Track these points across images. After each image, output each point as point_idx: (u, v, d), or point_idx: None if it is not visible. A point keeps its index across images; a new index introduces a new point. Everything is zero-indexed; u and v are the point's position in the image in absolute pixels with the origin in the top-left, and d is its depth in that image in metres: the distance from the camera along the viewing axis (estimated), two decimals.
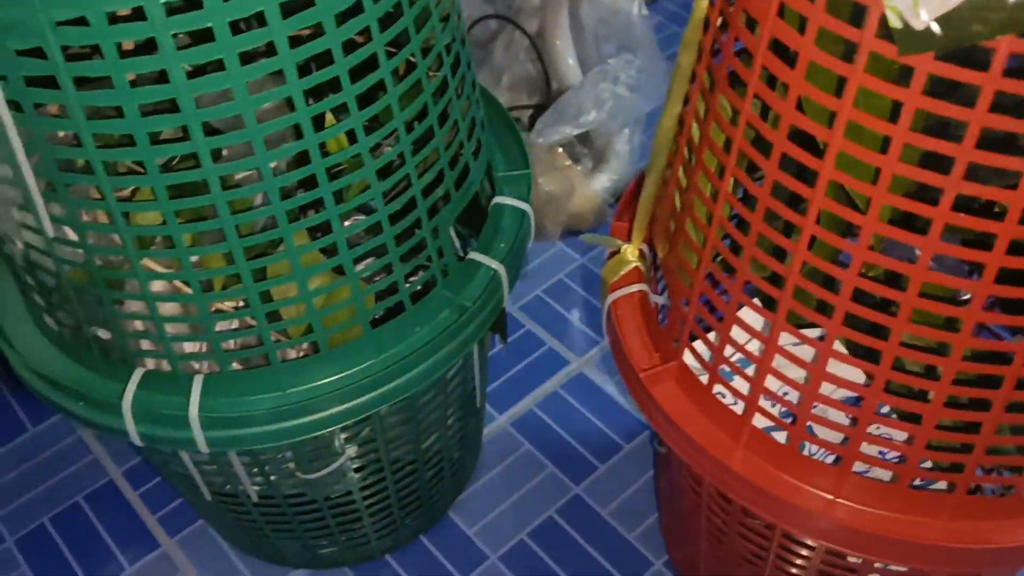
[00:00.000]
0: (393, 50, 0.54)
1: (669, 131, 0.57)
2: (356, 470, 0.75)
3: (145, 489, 0.93)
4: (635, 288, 0.64)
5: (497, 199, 0.69)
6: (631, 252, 0.64)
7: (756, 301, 0.53)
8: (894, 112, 0.42)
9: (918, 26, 0.37)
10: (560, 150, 1.14)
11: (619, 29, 1.28)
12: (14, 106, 0.49)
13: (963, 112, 0.39)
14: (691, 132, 0.54)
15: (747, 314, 0.55)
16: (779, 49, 0.44)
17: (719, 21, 0.50)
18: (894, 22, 0.38)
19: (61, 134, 0.57)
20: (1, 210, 0.58)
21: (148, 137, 0.49)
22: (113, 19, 0.45)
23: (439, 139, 0.59)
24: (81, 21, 0.45)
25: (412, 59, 0.55)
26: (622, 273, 0.65)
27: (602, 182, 1.14)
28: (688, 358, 0.60)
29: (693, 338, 0.59)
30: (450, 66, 0.59)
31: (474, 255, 0.66)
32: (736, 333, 0.55)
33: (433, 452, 0.80)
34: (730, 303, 0.53)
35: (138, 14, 0.44)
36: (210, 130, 0.49)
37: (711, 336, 0.57)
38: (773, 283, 0.50)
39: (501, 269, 0.66)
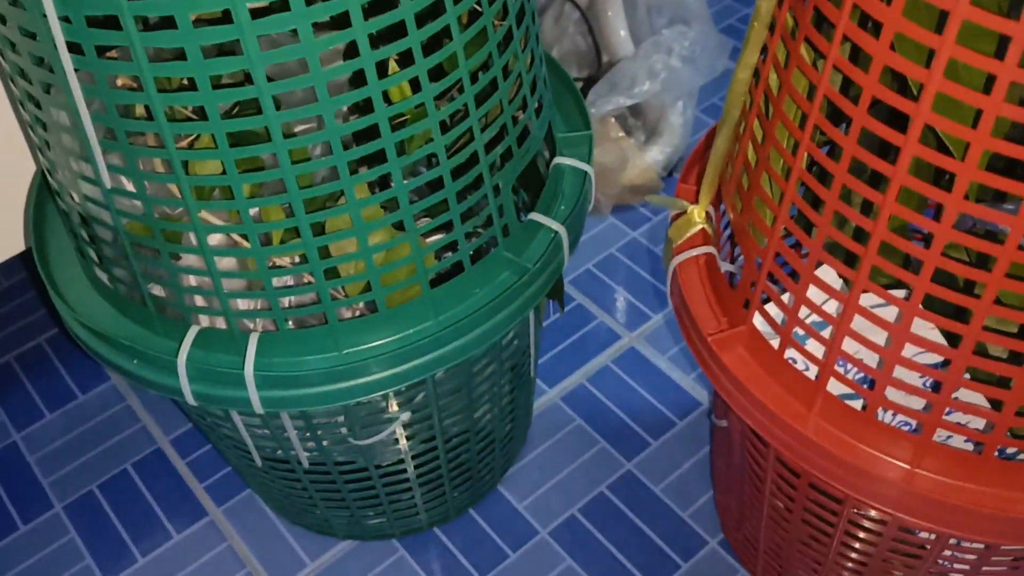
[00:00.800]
0: None
1: (744, 82, 0.54)
2: (408, 439, 0.74)
3: (193, 458, 0.93)
4: (702, 250, 0.62)
5: (558, 160, 0.67)
6: (698, 213, 0.62)
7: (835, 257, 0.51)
8: (999, 50, 0.39)
9: None
10: (613, 121, 1.11)
11: (672, 1, 1.26)
12: (75, 48, 0.48)
13: None
14: (769, 82, 0.52)
15: (825, 273, 0.53)
16: None
17: None
18: None
19: (121, 81, 0.56)
20: (59, 160, 0.57)
21: (210, 81, 0.48)
22: None
23: (503, 91, 0.57)
24: None
25: (478, 7, 0.54)
26: (688, 235, 0.62)
27: (655, 155, 1.12)
28: (759, 322, 0.57)
29: (765, 300, 0.56)
30: (515, 15, 0.57)
31: (535, 216, 0.64)
32: (812, 293, 0.52)
33: (485, 423, 0.78)
34: (808, 261, 0.51)
35: None
36: (271, 76, 0.48)
37: (784, 298, 0.55)
38: (856, 239, 0.48)
39: (562, 231, 0.64)
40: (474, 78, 0.55)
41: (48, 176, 0.62)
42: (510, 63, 0.59)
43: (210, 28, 0.46)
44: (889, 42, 0.42)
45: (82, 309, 0.63)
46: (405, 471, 0.77)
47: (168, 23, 0.46)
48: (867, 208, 0.47)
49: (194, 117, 0.55)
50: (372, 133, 0.52)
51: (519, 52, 0.59)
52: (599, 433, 0.91)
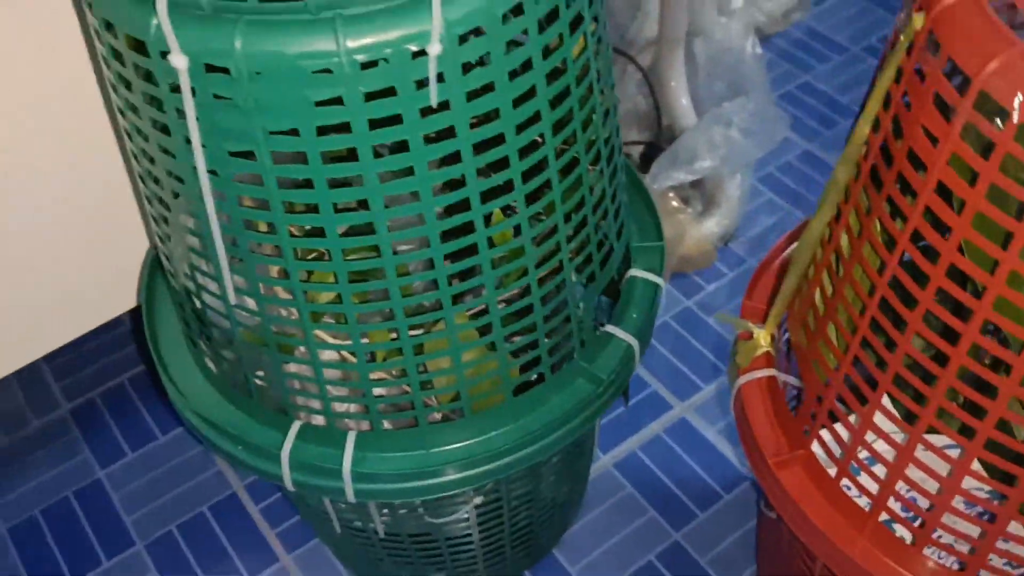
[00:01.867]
0: (565, 146, 0.57)
1: (817, 236, 0.59)
2: (477, 516, 0.79)
3: (266, 504, 0.99)
4: (765, 373, 0.66)
5: (632, 272, 0.72)
6: (764, 338, 0.67)
7: (892, 406, 0.55)
8: None
9: None
10: (672, 194, 1.16)
11: (731, 68, 1.30)
12: (211, 171, 0.53)
13: None
14: (840, 243, 0.57)
15: (882, 420, 0.57)
16: (944, 191, 0.47)
17: (879, 145, 0.52)
18: None
19: (248, 201, 0.61)
20: (177, 255, 0.62)
21: (332, 208, 0.52)
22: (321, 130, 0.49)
23: (591, 226, 0.63)
24: (292, 131, 0.49)
25: (576, 156, 0.59)
26: (753, 356, 0.67)
27: (711, 227, 1.16)
28: (816, 448, 0.62)
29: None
30: (606, 158, 0.62)
31: (610, 328, 0.69)
32: (869, 435, 0.57)
33: (547, 494, 0.84)
34: (867, 409, 0.56)
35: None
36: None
37: (842, 432, 0.59)
38: (915, 401, 0.53)
39: (635, 343, 0.69)
40: (567, 218, 0.60)
41: (163, 259, 0.68)
42: (602, 198, 0.64)
43: (338, 165, 0.51)
44: (956, 245, 0.46)
45: (191, 394, 0.69)
46: (471, 537, 0.83)
47: (300, 158, 0.51)
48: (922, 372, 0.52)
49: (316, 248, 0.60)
50: (473, 268, 0.57)
51: (607, 187, 0.64)
52: (649, 502, 0.97)
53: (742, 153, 1.18)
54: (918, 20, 0.48)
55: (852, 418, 0.58)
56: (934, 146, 0.46)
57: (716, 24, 1.32)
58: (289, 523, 0.97)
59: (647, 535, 0.94)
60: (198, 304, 0.64)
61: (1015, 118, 0.42)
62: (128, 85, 0.53)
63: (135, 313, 0.99)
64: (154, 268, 0.76)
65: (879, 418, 0.57)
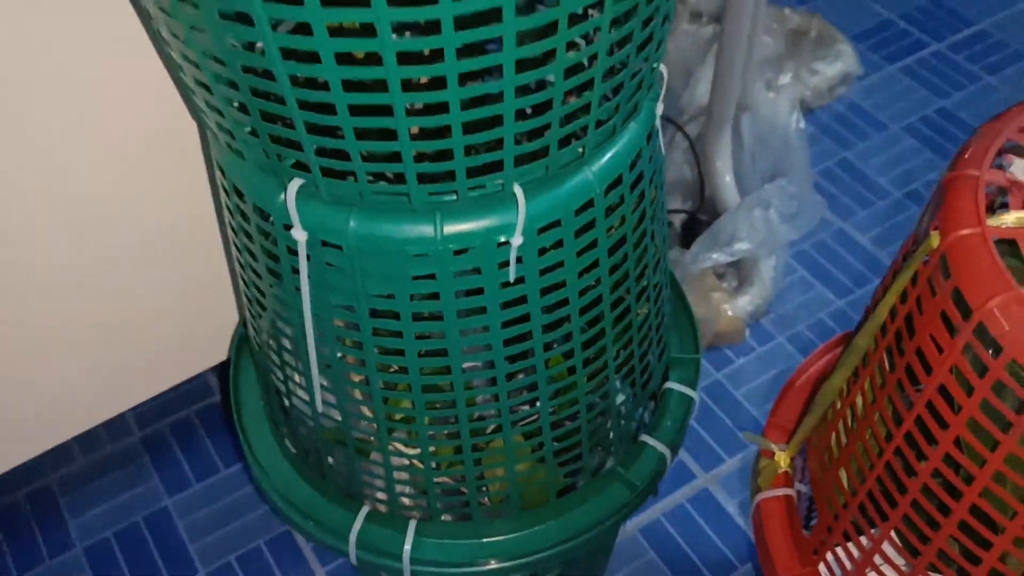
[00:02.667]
0: (620, 299, 0.65)
1: (836, 390, 0.67)
2: None
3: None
4: (783, 492, 0.74)
5: (668, 384, 0.80)
6: (784, 460, 0.75)
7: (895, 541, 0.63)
8: None
9: None
10: (711, 272, 1.23)
11: (776, 147, 1.37)
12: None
13: None
14: (856, 401, 0.64)
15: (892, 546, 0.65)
16: (945, 391, 0.54)
17: (894, 331, 0.60)
18: None
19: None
20: (276, 369, 0.71)
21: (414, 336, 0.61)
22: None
23: (636, 358, 0.71)
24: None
25: (629, 304, 0.67)
26: (773, 476, 0.75)
27: (744, 305, 1.24)
28: (823, 568, 0.70)
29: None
30: (655, 299, 0.70)
31: (646, 438, 0.77)
32: (881, 562, 0.65)
33: (578, 568, 0.92)
34: (875, 537, 0.64)
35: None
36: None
37: (844, 558, 0.67)
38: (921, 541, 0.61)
39: (668, 452, 0.77)
40: (616, 355, 0.68)
41: (254, 343, 0.76)
42: (648, 333, 0.72)
43: (425, 323, 0.60)
44: (953, 438, 0.54)
45: (272, 472, 0.78)
46: None
47: (393, 314, 0.59)
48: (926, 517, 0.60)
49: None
50: (533, 400, 0.66)
51: (653, 320, 0.72)
52: (669, 568, 1.05)
53: (779, 236, 1.25)
54: (935, 239, 0.55)
55: (854, 549, 0.66)
56: (939, 353, 0.54)
57: (764, 100, 1.39)
58: (337, 563, 1.06)
59: None
60: (286, 402, 0.73)
61: (1007, 353, 0.49)
62: (248, 235, 0.61)
63: None
64: (241, 348, 0.85)
65: (878, 558, 0.65)
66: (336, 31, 0.43)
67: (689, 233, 1.32)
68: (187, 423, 1.19)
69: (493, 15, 0.42)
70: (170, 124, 0.74)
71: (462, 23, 0.42)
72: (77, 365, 0.90)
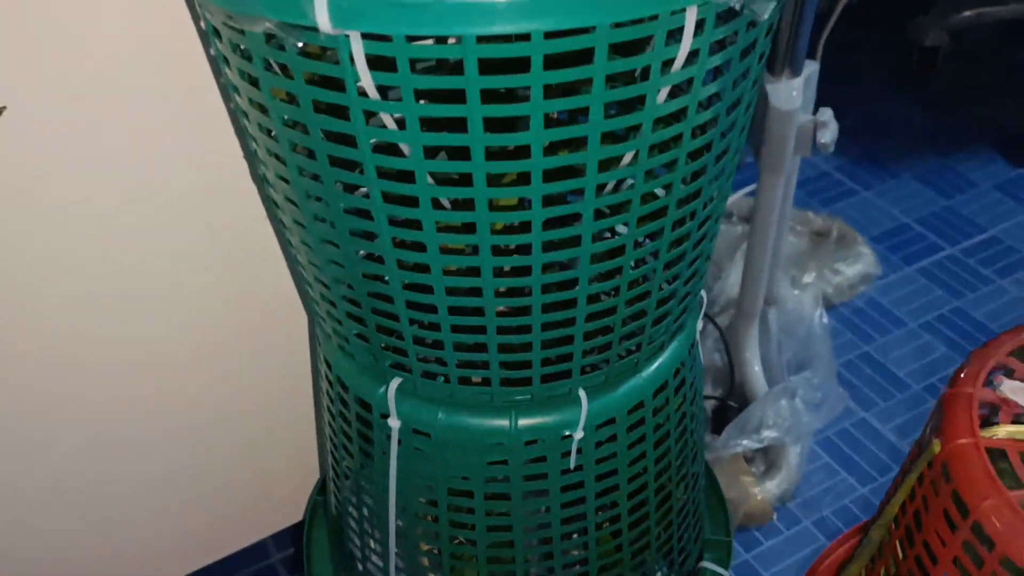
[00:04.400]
0: (662, 487, 0.74)
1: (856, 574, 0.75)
2: None
3: None
4: None
5: (703, 563, 0.88)
6: None
7: None
8: None
9: None
10: (741, 456, 1.32)
11: (801, 339, 1.47)
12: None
13: None
14: None
15: None
16: None
17: (904, 526, 0.68)
18: None
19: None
20: (356, 540, 0.80)
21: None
22: None
23: (675, 538, 0.79)
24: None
25: (670, 491, 0.76)
26: None
27: (771, 488, 1.31)
28: None
29: None
30: (691, 487, 0.79)
31: None
32: None
33: None
34: None
35: None
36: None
37: None
38: None
39: None
40: (658, 535, 0.76)
41: (333, 510, 0.85)
42: (684, 517, 0.80)
43: (495, 483, 0.69)
44: None
45: None
46: None
47: (467, 494, 0.68)
48: None
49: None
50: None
51: (691, 507, 0.80)
52: None
53: (803, 424, 1.33)
54: (936, 446, 0.64)
55: None
56: (943, 546, 0.62)
57: (789, 296, 1.51)
58: None
59: None
60: (359, 567, 0.81)
61: (999, 549, 0.58)
62: (345, 419, 0.71)
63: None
64: (315, 513, 0.94)
65: None
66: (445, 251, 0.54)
67: (719, 418, 1.41)
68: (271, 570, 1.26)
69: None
70: (284, 315, 0.85)
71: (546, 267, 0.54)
72: (146, 522, 0.99)
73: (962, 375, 0.68)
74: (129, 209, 0.72)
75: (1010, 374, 0.67)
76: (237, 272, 0.80)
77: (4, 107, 0.68)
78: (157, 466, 0.94)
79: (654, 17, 0.43)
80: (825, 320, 1.50)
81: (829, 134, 1.26)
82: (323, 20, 0.40)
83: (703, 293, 0.71)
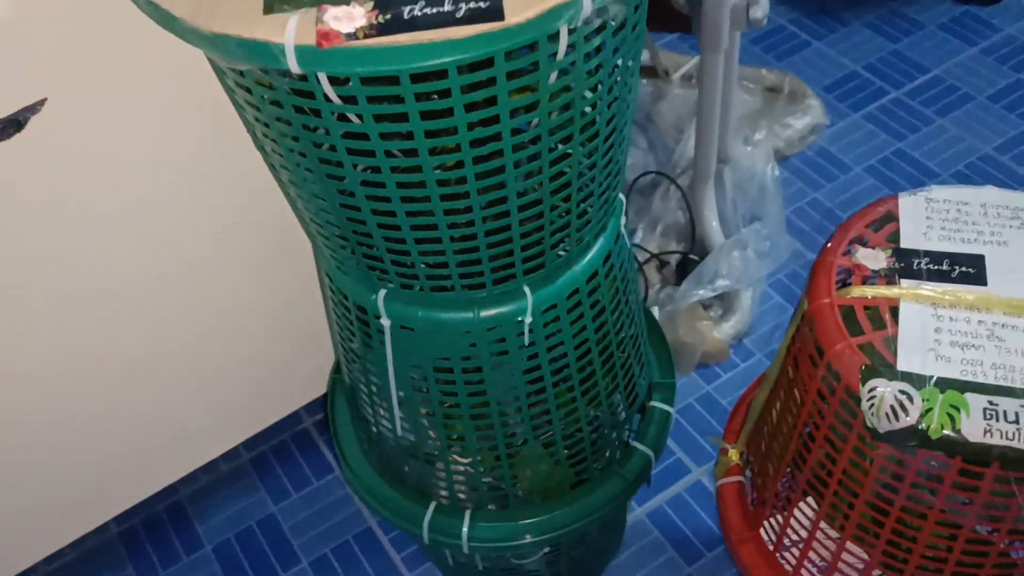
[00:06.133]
0: (607, 346, 0.93)
1: (760, 404, 0.95)
2: (545, 558, 1.16)
3: (393, 535, 1.37)
4: (735, 479, 1.02)
5: (652, 403, 1.09)
6: (734, 455, 1.02)
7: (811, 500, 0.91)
8: None
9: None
10: (698, 304, 1.51)
11: (753, 194, 1.65)
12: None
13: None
14: (773, 411, 0.92)
15: (801, 512, 0.93)
16: (816, 405, 0.82)
17: (790, 363, 0.87)
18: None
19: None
20: (366, 403, 1.00)
21: None
22: None
23: (621, 387, 0.99)
24: None
25: (610, 349, 0.95)
26: (727, 467, 1.03)
27: (727, 329, 1.51)
28: (763, 532, 0.98)
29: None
30: (631, 346, 0.99)
31: (635, 444, 1.06)
32: (795, 523, 0.92)
33: (594, 542, 1.20)
34: (790, 506, 0.91)
35: None
36: None
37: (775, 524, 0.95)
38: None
39: (652, 454, 1.05)
40: (605, 385, 0.96)
41: (346, 386, 1.05)
42: (628, 369, 1.00)
43: (472, 374, 0.88)
44: (823, 436, 0.82)
45: (360, 475, 1.07)
46: (542, 571, 1.20)
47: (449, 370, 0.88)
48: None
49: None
50: (549, 420, 0.94)
51: (633, 360, 1.00)
52: (670, 544, 1.33)
53: (754, 271, 1.52)
54: (804, 304, 0.83)
55: (780, 518, 0.94)
56: (810, 379, 0.82)
57: (743, 154, 1.67)
58: (410, 550, 1.36)
59: (668, 569, 1.30)
60: (373, 429, 1.02)
61: (843, 381, 0.77)
62: (348, 320, 0.90)
63: None
64: (336, 386, 1.14)
65: (794, 521, 0.92)
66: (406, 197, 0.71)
67: (683, 271, 1.60)
68: (285, 446, 1.48)
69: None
70: (295, 240, 1.04)
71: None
72: (206, 403, 1.20)
73: (828, 245, 0.86)
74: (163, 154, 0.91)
75: (865, 243, 0.85)
76: (257, 206, 0.99)
77: (45, 99, 0.84)
78: (207, 356, 1.15)
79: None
80: (776, 173, 1.67)
81: (760, 10, 1.40)
82: (293, 66, 0.56)
83: (622, 196, 0.88)
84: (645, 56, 1.89)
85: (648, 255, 1.60)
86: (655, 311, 1.49)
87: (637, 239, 1.63)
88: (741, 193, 1.65)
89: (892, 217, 0.86)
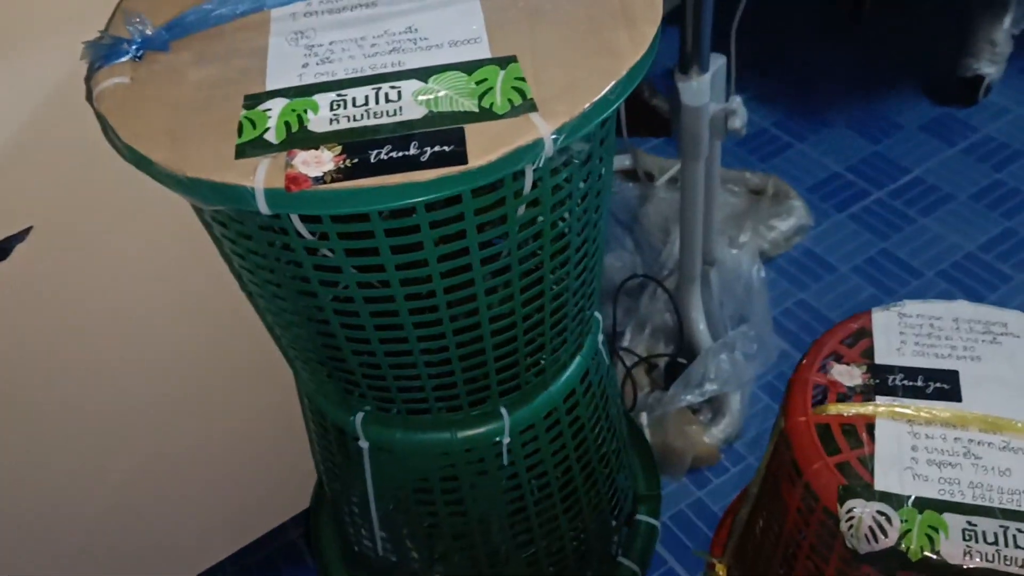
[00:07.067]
0: (588, 463, 0.93)
1: (745, 517, 0.94)
2: None
3: None
4: None
5: (639, 517, 1.08)
6: (721, 570, 1.01)
7: None
8: None
9: None
10: (688, 409, 1.51)
11: (740, 296, 1.66)
12: None
13: None
14: (756, 528, 0.91)
15: None
16: (796, 526, 0.81)
17: (770, 481, 0.87)
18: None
19: None
20: (350, 528, 0.99)
21: None
22: None
23: (604, 500, 0.98)
24: None
25: (591, 465, 0.95)
26: None
27: (717, 433, 1.51)
28: None
29: None
30: (614, 460, 0.98)
31: (621, 559, 1.05)
32: None
33: None
34: None
35: None
36: None
37: None
38: None
39: (638, 569, 1.04)
40: (589, 499, 0.96)
41: (329, 502, 1.04)
42: (611, 483, 0.99)
43: (451, 495, 0.88)
44: (805, 553, 0.81)
45: None
46: None
47: (428, 489, 0.88)
48: None
49: None
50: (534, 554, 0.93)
51: (617, 475, 0.99)
52: None
53: (742, 374, 1.52)
54: (781, 422, 0.83)
55: None
56: (789, 499, 0.81)
57: (728, 256, 1.69)
58: None
59: None
60: (356, 548, 1.01)
61: (821, 501, 0.77)
62: (328, 440, 0.90)
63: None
64: (319, 501, 1.14)
65: None
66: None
67: (671, 374, 1.60)
68: (271, 561, 1.46)
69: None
70: (275, 365, 1.04)
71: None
72: (191, 519, 1.19)
73: (803, 361, 0.86)
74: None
75: (840, 359, 0.85)
76: (240, 330, 1.00)
77: (31, 227, 0.86)
78: (194, 472, 1.14)
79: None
80: (762, 274, 1.68)
81: (739, 120, 1.42)
82: (263, 208, 0.58)
83: (598, 315, 0.89)
84: (631, 160, 1.93)
85: (636, 359, 1.60)
86: (643, 416, 1.49)
87: (625, 342, 1.63)
88: (728, 294, 1.66)
89: (866, 332, 0.87)
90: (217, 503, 1.20)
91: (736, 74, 1.39)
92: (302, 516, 1.41)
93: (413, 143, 0.58)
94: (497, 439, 0.83)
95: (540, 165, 0.59)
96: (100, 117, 0.65)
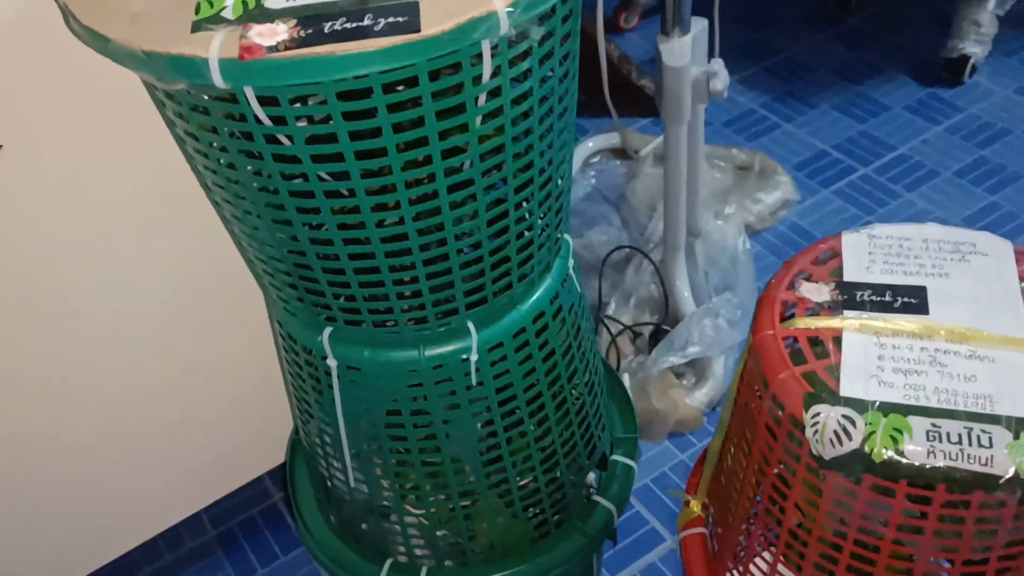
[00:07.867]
0: (559, 392, 0.93)
1: (717, 447, 0.94)
2: None
3: None
4: (697, 530, 1.00)
5: (614, 457, 1.07)
6: (696, 507, 1.01)
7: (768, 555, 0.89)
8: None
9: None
10: (669, 372, 1.51)
11: (724, 266, 1.66)
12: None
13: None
14: (727, 459, 0.91)
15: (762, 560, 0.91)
16: (765, 439, 0.81)
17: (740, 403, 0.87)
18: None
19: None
20: (321, 461, 0.99)
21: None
22: None
23: (577, 436, 0.98)
24: None
25: (563, 394, 0.94)
26: (689, 519, 1.01)
27: (700, 397, 1.50)
28: None
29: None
30: (587, 394, 0.98)
31: (597, 498, 1.04)
32: (755, 571, 0.90)
33: None
34: (748, 551, 0.89)
35: None
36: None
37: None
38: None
39: (614, 508, 1.03)
40: (560, 433, 0.95)
41: (304, 444, 1.04)
42: (584, 417, 0.99)
43: (420, 416, 0.87)
44: (774, 471, 0.81)
45: (320, 539, 1.05)
46: None
47: (398, 413, 0.87)
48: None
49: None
50: (502, 468, 0.93)
51: (590, 409, 0.99)
52: None
53: (726, 339, 1.52)
54: (751, 338, 0.83)
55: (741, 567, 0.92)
56: (758, 413, 0.81)
57: (714, 228, 1.69)
58: None
59: None
60: (328, 484, 1.00)
61: (787, 410, 0.76)
62: (298, 364, 0.90)
63: None
64: (295, 450, 1.13)
65: (754, 568, 0.90)
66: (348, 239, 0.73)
67: (656, 341, 1.60)
68: (252, 521, 1.46)
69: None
70: (250, 292, 1.04)
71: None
72: (167, 466, 1.18)
73: (772, 281, 0.86)
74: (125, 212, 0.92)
75: (809, 278, 0.85)
76: (215, 265, 1.00)
77: (1, 145, 0.86)
78: (168, 418, 1.14)
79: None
80: (748, 246, 1.68)
81: (720, 82, 1.43)
82: (217, 80, 0.58)
83: (567, 237, 0.89)
84: (616, 138, 1.94)
85: (621, 327, 1.60)
86: (626, 379, 1.49)
87: (610, 311, 1.64)
88: (713, 265, 1.66)
89: (836, 253, 0.87)
90: (192, 450, 1.19)
91: (721, 53, 1.39)
92: (279, 470, 1.41)
93: (368, 15, 0.58)
94: (465, 356, 0.83)
95: (496, 42, 0.60)
96: (62, 8, 0.66)
